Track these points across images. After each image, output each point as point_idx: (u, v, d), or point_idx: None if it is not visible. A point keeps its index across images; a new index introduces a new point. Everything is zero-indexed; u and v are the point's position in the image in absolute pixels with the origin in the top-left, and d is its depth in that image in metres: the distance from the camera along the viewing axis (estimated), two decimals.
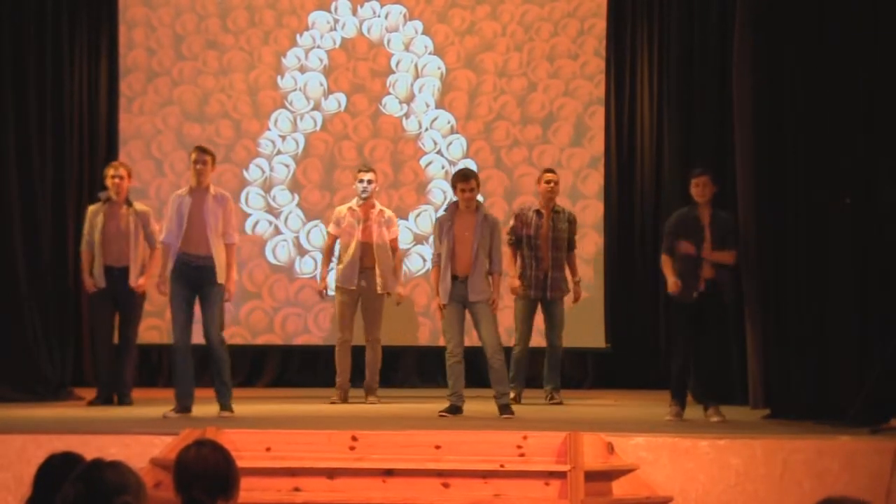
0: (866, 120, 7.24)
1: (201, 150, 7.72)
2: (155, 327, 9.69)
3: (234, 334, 9.77)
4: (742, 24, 7.89)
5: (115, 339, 8.54)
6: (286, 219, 10.18)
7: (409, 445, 5.99)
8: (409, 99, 10.34)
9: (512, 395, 8.18)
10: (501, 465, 5.77)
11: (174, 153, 10.04)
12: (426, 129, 10.32)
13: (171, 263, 7.52)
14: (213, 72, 10.27)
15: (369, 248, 8.62)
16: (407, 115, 10.32)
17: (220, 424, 6.35)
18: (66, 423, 6.70)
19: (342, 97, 10.32)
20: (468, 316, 7.69)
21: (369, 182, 8.70)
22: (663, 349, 9.76)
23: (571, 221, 8.82)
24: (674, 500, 5.87)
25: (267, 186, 10.20)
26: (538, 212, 8.68)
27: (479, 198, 7.89)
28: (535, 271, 8.59)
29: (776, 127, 7.61)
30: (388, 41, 10.38)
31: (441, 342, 8.43)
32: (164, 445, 5.93)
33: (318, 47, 10.36)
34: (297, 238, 10.17)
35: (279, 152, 10.23)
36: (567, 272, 8.76)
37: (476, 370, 8.31)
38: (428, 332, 10.08)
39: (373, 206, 8.74)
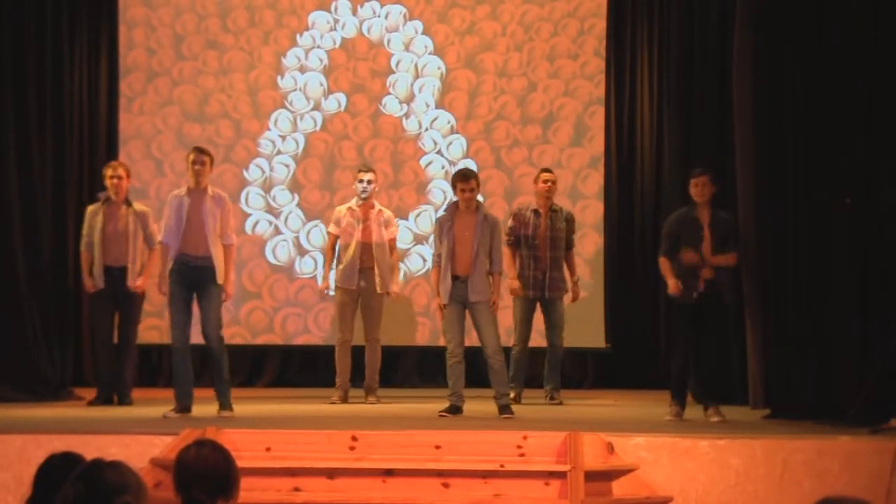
0: (866, 120, 7.24)
1: (199, 150, 7.73)
2: (155, 327, 9.69)
3: (234, 334, 9.77)
4: (742, 24, 7.89)
5: (115, 339, 8.55)
6: (286, 219, 10.18)
7: (409, 445, 5.99)
8: (409, 99, 10.34)
9: (512, 395, 8.18)
10: (501, 465, 5.77)
11: (174, 153, 10.04)
12: (426, 129, 10.32)
13: (171, 263, 7.53)
14: (213, 72, 10.27)
15: (369, 248, 8.62)
16: (407, 115, 10.32)
17: (220, 424, 6.35)
18: (66, 423, 6.70)
19: (342, 97, 10.32)
20: (468, 316, 7.69)
21: (369, 182, 8.71)
22: (663, 349, 9.77)
23: (569, 220, 8.82)
24: (674, 500, 5.87)
25: (267, 186, 10.20)
26: (536, 211, 8.68)
27: (479, 198, 7.89)
28: (534, 271, 8.58)
29: (776, 127, 7.61)
30: (388, 41, 10.38)
31: (441, 342, 8.43)
32: (164, 445, 5.93)
33: (318, 47, 10.36)
34: (297, 238, 10.17)
35: (279, 152, 10.23)
36: (566, 271, 8.76)
37: (476, 370, 8.31)
38: (428, 332, 10.08)
39: (372, 206, 8.74)
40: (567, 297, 8.79)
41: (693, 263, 7.34)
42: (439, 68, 10.37)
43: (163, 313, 9.16)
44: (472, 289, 7.61)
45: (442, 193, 10.16)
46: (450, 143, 10.30)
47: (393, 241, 8.83)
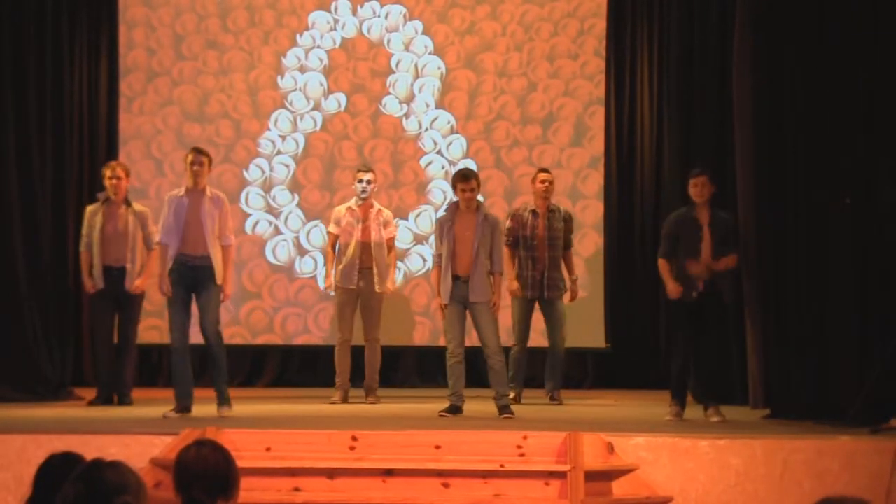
0: (866, 120, 7.24)
1: (198, 151, 7.74)
2: (155, 327, 9.68)
3: (234, 334, 9.77)
4: (742, 24, 7.89)
5: (115, 339, 8.54)
6: (286, 219, 10.18)
7: (409, 445, 6.00)
8: (409, 99, 10.34)
9: (511, 395, 8.18)
10: (501, 465, 5.77)
11: (174, 153, 10.03)
12: (426, 129, 10.31)
13: (170, 263, 7.54)
14: (213, 72, 10.27)
15: (368, 248, 8.63)
16: (407, 115, 10.31)
17: (220, 424, 6.35)
18: (66, 423, 6.70)
19: (342, 97, 10.32)
20: (469, 316, 7.69)
21: (368, 182, 8.71)
22: (663, 349, 9.76)
23: (567, 220, 8.82)
24: (674, 500, 5.87)
25: (267, 186, 10.20)
26: (534, 212, 8.68)
27: (479, 197, 7.89)
28: (532, 272, 8.59)
29: (776, 127, 7.61)
30: (388, 41, 10.38)
31: (441, 342, 8.43)
32: (164, 445, 5.93)
33: (318, 47, 10.36)
34: (297, 238, 10.17)
35: (279, 152, 10.23)
36: (564, 271, 8.75)
37: (476, 370, 8.32)
38: (428, 332, 10.07)
39: (371, 206, 8.75)
40: (566, 297, 8.79)
41: (698, 274, 7.34)
42: (439, 68, 10.37)
43: (163, 313, 9.13)
44: (473, 289, 7.61)
45: (442, 193, 10.16)
46: (450, 143, 10.30)
47: (391, 240, 8.83)
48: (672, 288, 7.40)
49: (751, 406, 7.75)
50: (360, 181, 8.71)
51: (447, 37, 10.39)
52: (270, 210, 10.17)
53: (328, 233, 8.96)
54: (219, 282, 7.56)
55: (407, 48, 10.38)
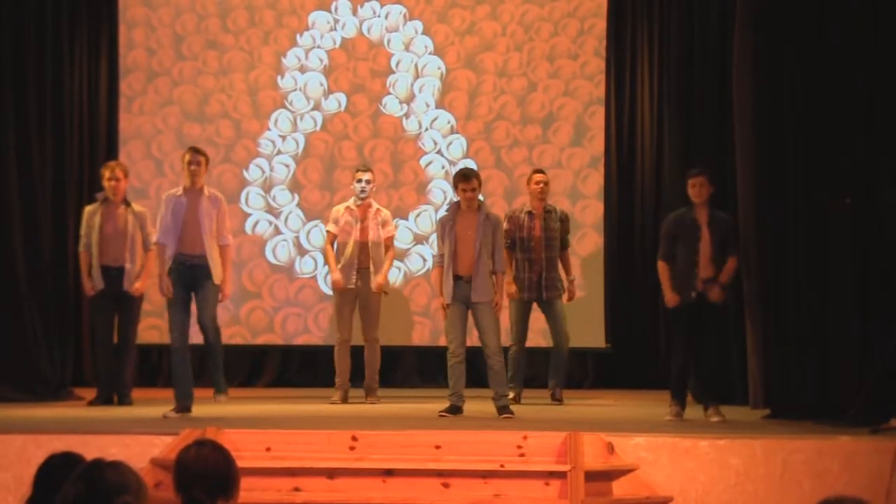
0: (866, 120, 7.24)
1: (195, 150, 7.75)
2: (155, 327, 9.68)
3: (234, 334, 9.78)
4: (742, 24, 7.89)
5: (115, 339, 8.54)
6: (286, 219, 10.18)
7: (409, 445, 5.99)
8: (409, 99, 10.34)
9: (511, 395, 8.18)
10: (501, 465, 5.77)
11: (174, 153, 10.02)
12: (426, 129, 10.31)
13: (169, 263, 7.54)
14: (213, 72, 10.27)
15: (366, 248, 8.62)
16: (407, 115, 10.31)
17: (220, 424, 6.34)
18: (66, 423, 6.70)
19: (342, 97, 10.32)
20: (470, 316, 7.68)
21: (367, 182, 8.71)
22: (663, 349, 9.76)
23: (564, 220, 8.82)
24: (674, 500, 5.87)
25: (267, 186, 10.20)
26: (530, 213, 8.68)
27: (480, 197, 7.88)
28: (528, 273, 8.59)
29: (776, 127, 7.61)
30: (388, 41, 10.38)
31: (440, 342, 8.43)
32: (164, 445, 5.93)
33: (319, 47, 10.36)
34: (297, 238, 10.17)
35: (279, 152, 10.23)
36: (561, 271, 8.75)
37: (476, 370, 8.31)
38: (428, 332, 10.07)
39: (370, 206, 8.74)
40: (563, 298, 8.78)
41: (706, 276, 7.35)
42: (439, 68, 10.37)
43: (163, 313, 9.12)
44: (476, 289, 7.60)
45: (442, 193, 10.16)
46: (450, 143, 10.30)
47: (390, 240, 8.81)
48: (669, 298, 7.41)
49: (751, 406, 7.75)
50: (359, 181, 8.71)
51: (447, 37, 10.39)
52: (270, 210, 10.17)
53: (327, 232, 8.96)
54: (217, 281, 7.59)
55: (407, 48, 10.38)
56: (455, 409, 7.55)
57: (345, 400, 8.57)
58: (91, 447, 4.56)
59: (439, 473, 5.71)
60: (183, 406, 7.39)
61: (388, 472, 5.72)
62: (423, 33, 10.38)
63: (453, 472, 5.71)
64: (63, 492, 2.64)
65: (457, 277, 7.63)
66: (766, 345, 7.64)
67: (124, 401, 8.31)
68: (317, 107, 10.30)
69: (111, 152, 10.05)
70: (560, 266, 8.75)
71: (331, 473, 5.75)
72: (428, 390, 9.50)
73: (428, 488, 5.65)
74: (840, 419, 6.72)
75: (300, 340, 10.09)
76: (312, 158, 10.25)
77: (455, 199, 7.84)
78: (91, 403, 8.26)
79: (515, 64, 10.35)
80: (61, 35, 9.83)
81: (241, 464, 3.35)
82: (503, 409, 7.49)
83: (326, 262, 9.08)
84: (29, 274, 8.85)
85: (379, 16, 10.40)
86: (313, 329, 10.06)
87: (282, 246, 10.14)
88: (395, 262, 9.54)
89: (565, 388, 8.97)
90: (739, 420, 7.30)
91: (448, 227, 7.71)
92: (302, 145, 10.25)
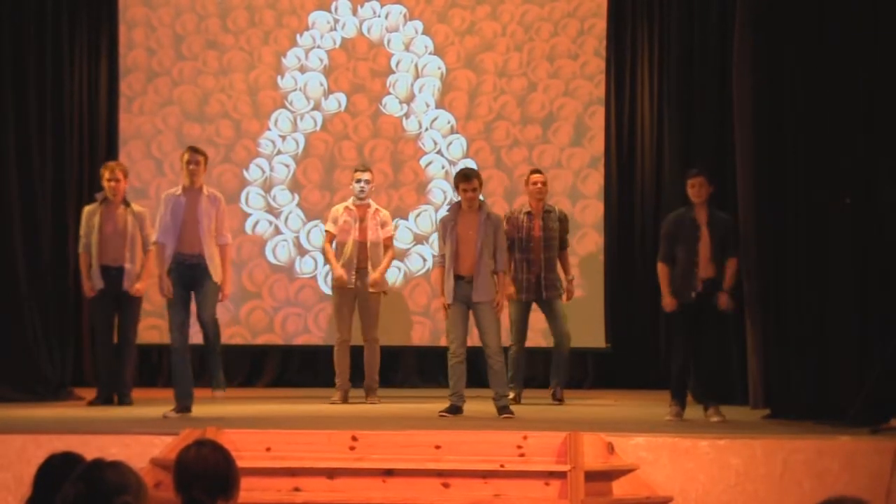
0: (866, 120, 7.24)
1: (193, 150, 7.75)
2: (155, 327, 9.68)
3: (234, 334, 9.78)
4: (742, 24, 7.89)
5: (115, 339, 8.54)
6: (286, 219, 10.18)
7: (409, 445, 5.99)
8: (409, 99, 10.34)
9: (511, 395, 8.18)
10: (501, 465, 5.76)
11: (174, 153, 10.01)
12: (426, 129, 10.31)
13: (168, 263, 7.54)
14: (213, 72, 10.27)
15: (364, 248, 8.63)
16: (407, 115, 10.31)
17: (220, 424, 6.34)
18: (66, 423, 6.70)
19: (342, 97, 10.32)
20: (471, 316, 7.68)
21: (366, 182, 8.71)
22: (663, 349, 9.76)
23: (562, 220, 8.82)
24: (674, 500, 5.87)
25: (267, 186, 10.20)
26: (529, 213, 8.68)
27: (480, 197, 7.88)
28: (527, 274, 8.59)
29: (776, 127, 7.61)
30: (388, 41, 10.38)
31: (441, 342, 8.43)
32: (164, 445, 5.93)
33: (319, 47, 10.36)
34: (298, 238, 10.17)
35: (279, 152, 10.23)
36: (560, 271, 8.75)
37: (476, 370, 8.31)
38: (428, 332, 10.07)
39: (369, 206, 8.74)
40: (562, 297, 8.78)
41: (706, 276, 7.36)
42: (439, 68, 10.36)
43: (163, 313, 9.11)
44: (477, 289, 7.60)
45: (442, 193, 10.16)
46: (450, 143, 10.30)
47: (389, 240, 8.81)
48: (668, 302, 7.41)
49: (751, 406, 7.75)
50: (358, 181, 8.71)
51: (447, 37, 10.39)
52: (270, 210, 10.17)
53: (325, 231, 8.96)
54: (216, 280, 7.58)
55: (407, 48, 10.38)
56: (455, 409, 7.55)
57: (345, 400, 8.57)
58: (91, 447, 4.56)
59: (439, 473, 5.71)
60: (183, 406, 7.39)
61: (388, 472, 5.72)
62: (423, 33, 10.38)
63: (453, 472, 5.70)
64: (63, 492, 2.64)
65: (458, 277, 7.63)
66: (766, 345, 7.65)
67: (124, 401, 8.31)
68: (317, 107, 10.30)
69: (111, 152, 10.05)
70: (559, 266, 8.74)
71: (331, 473, 5.75)
72: (428, 390, 9.50)
73: (428, 488, 5.65)
74: (840, 419, 6.72)
75: (300, 340, 10.09)
76: (312, 158, 10.25)
77: (455, 199, 7.83)
78: (91, 403, 8.26)
79: (515, 64, 10.35)
80: (61, 35, 9.83)
81: (241, 464, 3.35)
82: (503, 410, 7.49)
83: (327, 261, 9.08)
84: (29, 274, 8.85)
85: (379, 16, 10.40)
86: (313, 329, 10.06)
87: (282, 246, 10.14)
88: (395, 262, 9.54)
89: (565, 388, 8.98)
90: (739, 420, 7.29)
91: (449, 227, 7.71)
92: (302, 145, 10.25)
